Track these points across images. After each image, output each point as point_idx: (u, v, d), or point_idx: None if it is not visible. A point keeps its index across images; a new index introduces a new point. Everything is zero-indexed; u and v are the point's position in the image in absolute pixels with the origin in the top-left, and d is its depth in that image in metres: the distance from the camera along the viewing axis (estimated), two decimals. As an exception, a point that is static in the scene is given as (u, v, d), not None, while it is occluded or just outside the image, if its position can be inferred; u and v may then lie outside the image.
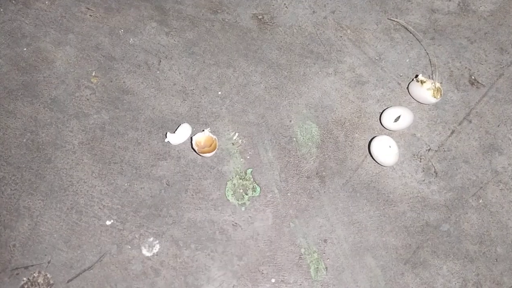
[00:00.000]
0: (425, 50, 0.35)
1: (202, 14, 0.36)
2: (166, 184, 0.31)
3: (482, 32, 0.36)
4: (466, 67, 0.35)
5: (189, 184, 0.31)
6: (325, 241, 0.30)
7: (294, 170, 0.32)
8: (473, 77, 0.35)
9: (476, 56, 0.35)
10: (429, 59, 0.35)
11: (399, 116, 0.32)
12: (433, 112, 0.34)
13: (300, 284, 0.30)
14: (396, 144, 0.31)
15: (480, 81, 0.35)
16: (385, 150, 0.31)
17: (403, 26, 0.35)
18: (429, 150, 0.33)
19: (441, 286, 0.30)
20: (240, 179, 0.32)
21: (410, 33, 0.35)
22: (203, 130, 0.32)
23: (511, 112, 0.34)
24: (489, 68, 0.35)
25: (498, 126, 0.33)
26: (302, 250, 0.30)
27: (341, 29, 0.36)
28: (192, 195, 0.31)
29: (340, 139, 0.33)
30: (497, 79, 0.35)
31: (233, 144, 0.32)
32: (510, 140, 0.33)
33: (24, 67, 0.33)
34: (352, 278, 0.30)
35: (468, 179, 0.32)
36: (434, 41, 0.35)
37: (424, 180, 0.32)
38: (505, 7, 0.37)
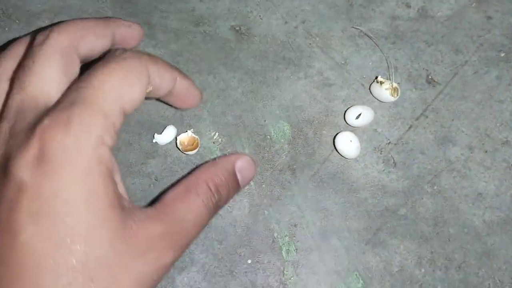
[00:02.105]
0: (383, 53, 0.39)
1: (185, 27, 0.40)
2: (155, 179, 0.35)
3: (439, 36, 0.40)
4: (423, 68, 0.39)
5: (175, 179, 0.35)
6: (295, 226, 0.34)
7: (268, 164, 0.36)
8: (430, 77, 0.38)
9: (433, 57, 0.39)
10: (387, 62, 0.38)
11: (360, 114, 0.36)
12: (393, 110, 0.37)
13: (273, 264, 0.34)
14: (357, 139, 0.35)
15: (436, 80, 0.38)
16: (347, 144, 0.35)
17: (365, 33, 0.39)
18: (389, 143, 0.36)
19: (398, 263, 0.34)
20: (220, 173, 0.35)
21: (371, 39, 0.39)
22: (186, 131, 0.36)
23: (464, 108, 0.37)
24: (445, 68, 0.39)
25: (452, 120, 0.37)
26: (275, 234, 0.34)
27: (310, 37, 0.40)
28: (178, 188, 0.35)
29: (309, 136, 0.37)
30: (452, 77, 0.38)
31: (213, 142, 0.36)
32: (463, 132, 0.37)
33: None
34: (319, 258, 0.34)
35: (424, 168, 0.36)
36: (395, 45, 0.39)
37: (384, 170, 0.36)
38: (461, 12, 0.40)
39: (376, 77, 0.37)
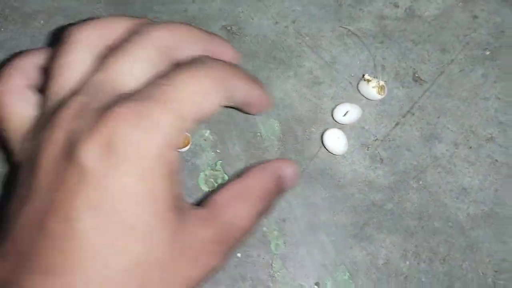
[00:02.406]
0: (370, 52, 0.39)
1: (178, 28, 0.41)
2: (147, 176, 0.36)
3: (426, 35, 0.41)
4: (410, 67, 0.40)
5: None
6: (284, 220, 0.35)
7: (258, 160, 0.37)
8: (416, 75, 0.39)
9: (420, 56, 0.40)
10: (374, 61, 0.39)
11: (347, 111, 0.37)
12: (380, 107, 0.38)
13: (263, 258, 0.34)
14: (345, 136, 0.36)
15: (423, 79, 0.39)
16: (335, 141, 0.36)
17: (353, 33, 0.40)
18: (376, 140, 0.37)
19: (384, 256, 0.35)
20: (211, 170, 0.36)
21: (358, 38, 0.40)
22: (179, 129, 0.37)
23: (450, 105, 0.38)
24: (432, 66, 0.40)
25: (438, 117, 0.38)
26: (264, 229, 0.35)
27: (300, 36, 0.40)
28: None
29: (298, 133, 0.38)
30: (438, 76, 0.39)
31: (205, 140, 0.37)
32: (448, 129, 0.38)
33: (24, 79, 0.38)
34: (307, 251, 0.35)
35: (410, 164, 0.37)
36: (383, 44, 0.40)
37: (371, 166, 0.37)
38: (448, 12, 0.41)
39: (363, 75, 0.38)
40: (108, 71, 0.25)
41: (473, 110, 0.38)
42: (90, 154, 0.21)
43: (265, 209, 0.29)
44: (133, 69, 0.25)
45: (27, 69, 0.29)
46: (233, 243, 0.27)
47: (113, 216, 0.21)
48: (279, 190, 0.30)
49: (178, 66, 0.26)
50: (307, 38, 0.40)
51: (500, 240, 0.35)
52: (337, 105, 0.37)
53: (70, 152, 0.22)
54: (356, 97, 0.39)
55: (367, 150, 0.37)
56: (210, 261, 0.25)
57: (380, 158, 0.37)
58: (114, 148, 0.21)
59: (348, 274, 0.34)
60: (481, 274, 0.34)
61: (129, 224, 0.21)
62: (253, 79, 0.30)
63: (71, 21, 0.40)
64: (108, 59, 0.25)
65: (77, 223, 0.21)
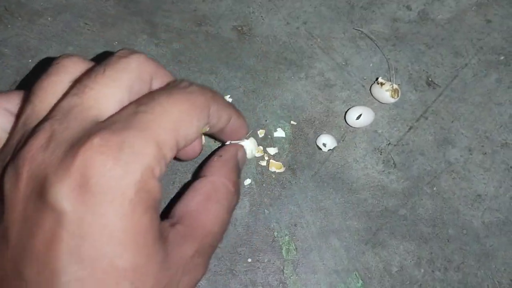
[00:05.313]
0: (384, 55, 0.39)
1: (188, 27, 0.40)
2: (155, 177, 0.35)
3: (439, 38, 0.40)
4: (423, 70, 0.39)
5: (176, 178, 0.36)
6: (295, 225, 0.34)
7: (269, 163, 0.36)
8: (430, 79, 0.39)
9: (433, 60, 0.39)
10: (387, 64, 0.39)
11: (360, 115, 0.36)
12: (393, 111, 0.38)
13: (273, 263, 0.34)
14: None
15: (436, 82, 0.39)
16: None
17: (366, 35, 0.39)
18: (389, 144, 0.37)
19: (398, 263, 0.34)
20: (221, 172, 0.36)
21: (372, 40, 0.39)
22: (188, 130, 0.36)
23: (464, 110, 0.38)
24: (445, 70, 0.39)
25: (452, 122, 0.37)
26: (275, 233, 0.34)
27: (312, 38, 0.40)
28: (178, 186, 0.35)
29: (310, 136, 0.37)
30: (452, 80, 0.39)
31: (214, 141, 0.36)
32: (462, 134, 0.37)
33: (29, 77, 0.38)
34: (319, 257, 0.34)
35: (424, 169, 0.36)
36: (395, 47, 0.39)
37: (384, 171, 0.36)
38: (461, 15, 0.41)
39: (377, 78, 0.37)
40: (81, 95, 0.23)
41: (487, 115, 0.38)
42: (64, 194, 0.19)
43: (237, 201, 0.29)
44: (108, 93, 0.23)
45: (12, 97, 0.26)
46: (213, 250, 0.26)
47: (99, 262, 0.20)
48: (239, 176, 0.30)
49: (156, 90, 0.24)
50: (318, 39, 0.40)
51: (515, 248, 0.34)
52: (350, 108, 0.37)
53: (41, 192, 0.20)
54: (369, 100, 0.38)
55: (380, 154, 0.36)
56: (195, 275, 0.25)
57: (393, 163, 0.36)
58: (91, 185, 0.19)
59: (361, 281, 0.33)
60: (496, 283, 0.33)
61: (117, 268, 0.20)
62: (233, 107, 0.29)
63: (80, 18, 0.40)
64: (82, 83, 0.23)
65: (60, 275, 0.19)
